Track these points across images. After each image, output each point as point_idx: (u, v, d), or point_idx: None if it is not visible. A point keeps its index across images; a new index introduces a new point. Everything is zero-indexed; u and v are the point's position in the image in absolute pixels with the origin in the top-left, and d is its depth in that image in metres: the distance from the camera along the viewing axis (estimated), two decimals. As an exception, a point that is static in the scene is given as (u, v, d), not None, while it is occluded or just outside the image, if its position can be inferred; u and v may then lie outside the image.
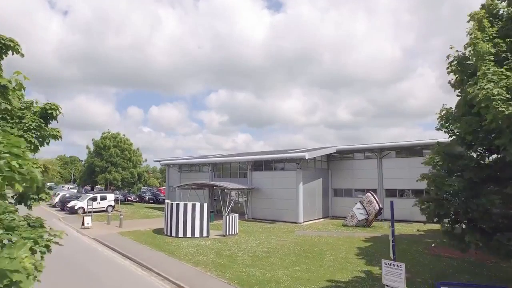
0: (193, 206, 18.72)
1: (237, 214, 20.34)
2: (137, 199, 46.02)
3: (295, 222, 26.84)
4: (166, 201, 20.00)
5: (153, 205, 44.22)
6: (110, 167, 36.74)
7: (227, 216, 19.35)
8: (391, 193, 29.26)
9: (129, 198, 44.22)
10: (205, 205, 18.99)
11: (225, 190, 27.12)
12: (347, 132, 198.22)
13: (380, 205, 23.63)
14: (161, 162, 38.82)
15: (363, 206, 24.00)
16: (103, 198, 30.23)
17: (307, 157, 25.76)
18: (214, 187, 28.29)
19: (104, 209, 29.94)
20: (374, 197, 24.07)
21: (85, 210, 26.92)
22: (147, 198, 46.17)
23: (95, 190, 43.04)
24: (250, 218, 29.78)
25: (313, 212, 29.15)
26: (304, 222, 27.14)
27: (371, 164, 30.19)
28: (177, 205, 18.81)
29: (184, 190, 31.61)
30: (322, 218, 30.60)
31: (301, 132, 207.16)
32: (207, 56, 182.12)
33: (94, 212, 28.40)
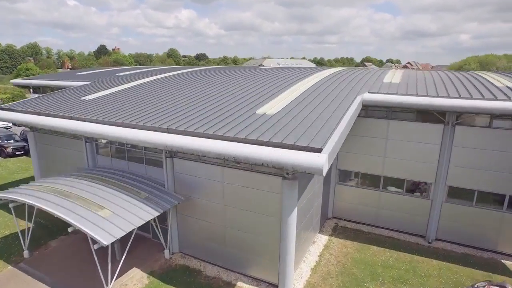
0: None
1: None
2: (-8, 152, 26.25)
3: (276, 287, 11.43)
4: None
5: (21, 161, 25.24)
6: None
7: None
8: (458, 194, 14.20)
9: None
10: None
11: (94, 240, 9.67)
12: (297, 10, 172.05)
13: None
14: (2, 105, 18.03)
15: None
16: None
17: (324, 171, 8.54)
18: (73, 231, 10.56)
19: None
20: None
21: None
22: (9, 150, 26.43)
23: None
24: (176, 253, 13.61)
25: (308, 231, 13.62)
26: (295, 281, 11.83)
27: (428, 133, 13.97)
28: None
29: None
30: (320, 232, 15.47)
31: (250, 9, 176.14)
32: None
33: None
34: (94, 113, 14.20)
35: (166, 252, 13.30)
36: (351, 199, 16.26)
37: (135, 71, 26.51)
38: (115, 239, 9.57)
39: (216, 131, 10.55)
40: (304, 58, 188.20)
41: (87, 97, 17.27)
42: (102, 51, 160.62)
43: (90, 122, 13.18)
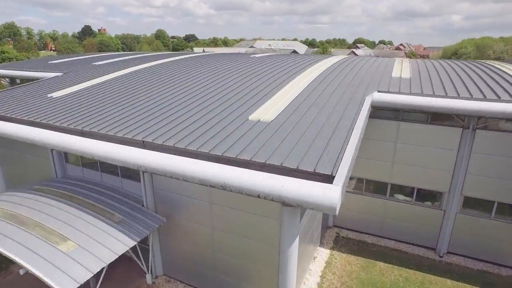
0: None
1: None
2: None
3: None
4: None
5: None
6: None
7: None
8: (475, 205, 12.69)
9: None
10: None
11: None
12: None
13: None
14: None
15: None
16: None
17: (337, 210, 6.78)
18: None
19: None
20: None
21: None
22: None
23: None
24: (160, 277, 11.91)
25: (309, 248, 12.00)
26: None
27: (444, 137, 12.24)
28: None
29: None
30: (320, 244, 13.90)
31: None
32: None
33: None
34: (59, 116, 11.99)
35: (148, 276, 11.57)
36: (354, 207, 14.66)
37: (114, 59, 23.92)
38: (78, 285, 7.75)
39: (200, 147, 8.59)
40: (295, 39, 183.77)
41: (55, 94, 14.95)
42: (87, 32, 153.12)
43: (51, 130, 11.00)
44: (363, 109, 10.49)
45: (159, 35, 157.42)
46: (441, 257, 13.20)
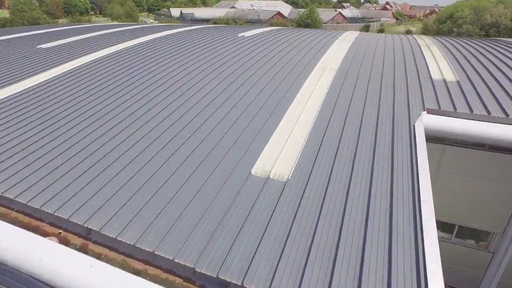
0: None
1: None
2: None
3: None
4: None
5: None
6: None
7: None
8: (535, 247, 9.97)
9: None
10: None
11: None
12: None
13: None
14: None
15: None
16: None
17: None
18: None
19: None
20: None
21: None
22: None
23: None
24: None
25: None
26: None
27: (503, 168, 9.13)
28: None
29: None
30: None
31: None
32: None
33: None
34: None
35: None
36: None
37: (66, 40, 18.81)
38: None
39: (178, 254, 5.02)
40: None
41: None
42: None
43: None
44: (419, 151, 7.00)
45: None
46: (483, 305, 10.75)
